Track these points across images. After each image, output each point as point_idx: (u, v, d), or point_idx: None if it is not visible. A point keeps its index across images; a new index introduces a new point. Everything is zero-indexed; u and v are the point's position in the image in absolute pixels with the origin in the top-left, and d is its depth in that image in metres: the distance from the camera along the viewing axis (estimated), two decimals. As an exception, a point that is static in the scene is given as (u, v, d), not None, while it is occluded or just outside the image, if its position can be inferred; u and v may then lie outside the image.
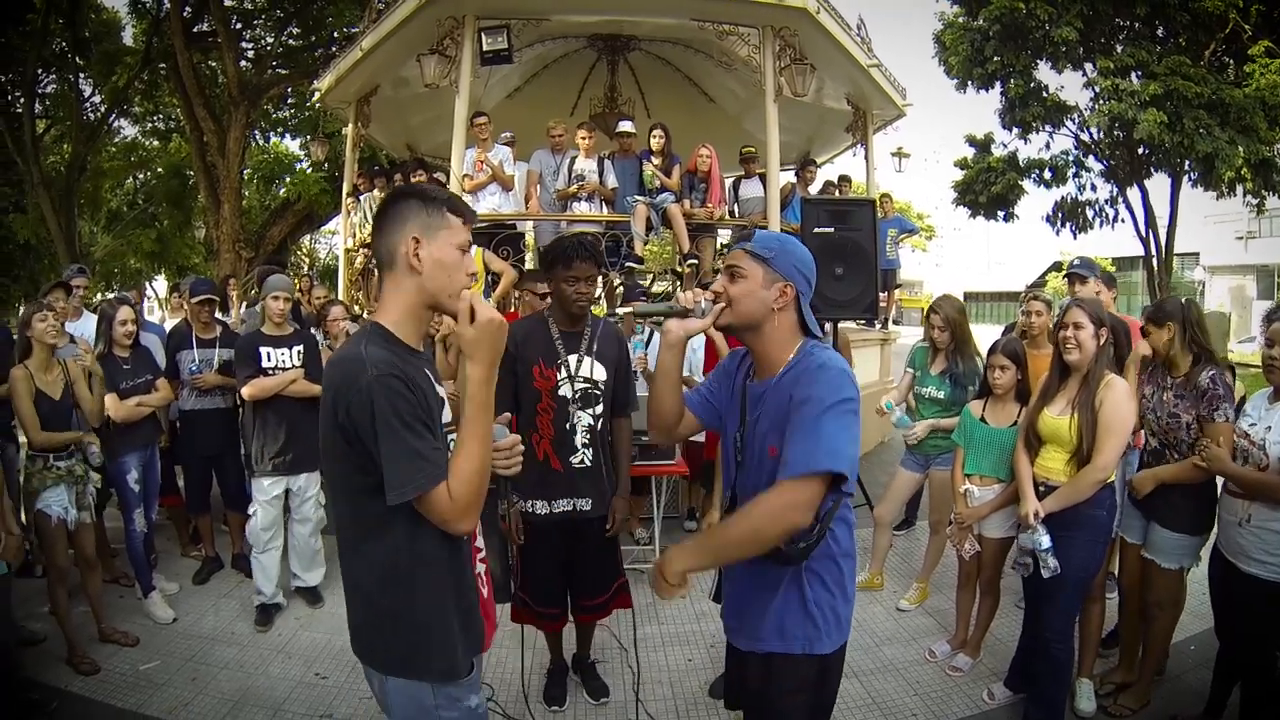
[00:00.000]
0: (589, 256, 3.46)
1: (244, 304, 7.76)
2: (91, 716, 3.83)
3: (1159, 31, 17.45)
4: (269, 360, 4.78)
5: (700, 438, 5.48)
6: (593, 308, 3.70)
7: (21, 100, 17.46)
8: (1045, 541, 3.38)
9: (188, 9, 16.18)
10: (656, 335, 5.53)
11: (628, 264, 7.31)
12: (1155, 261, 18.97)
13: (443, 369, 5.54)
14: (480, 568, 2.28)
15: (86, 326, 5.64)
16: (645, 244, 7.50)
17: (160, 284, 26.88)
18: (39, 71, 17.98)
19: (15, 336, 4.43)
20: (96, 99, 19.62)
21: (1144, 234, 18.99)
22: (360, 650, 1.99)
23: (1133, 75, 16.34)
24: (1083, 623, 3.91)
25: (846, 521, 2.22)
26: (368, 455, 1.75)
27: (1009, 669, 4.00)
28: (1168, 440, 3.59)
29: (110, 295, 14.69)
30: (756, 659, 2.26)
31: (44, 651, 4.32)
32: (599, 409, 3.55)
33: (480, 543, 2.29)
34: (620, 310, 2.21)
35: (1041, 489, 3.54)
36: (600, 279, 3.54)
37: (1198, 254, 35.35)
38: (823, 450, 1.92)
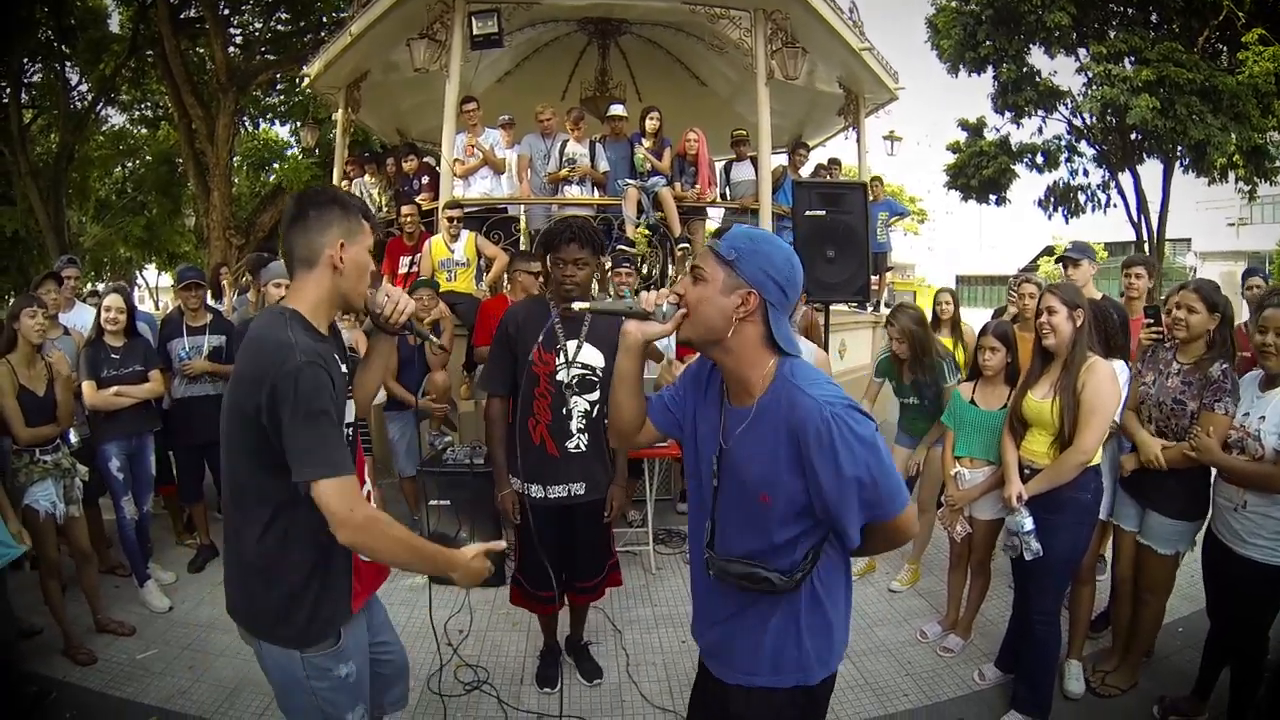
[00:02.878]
0: (576, 239, 3.40)
1: (236, 291, 7.73)
2: (90, 706, 3.82)
3: (1152, 17, 17.45)
4: None
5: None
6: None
7: (8, 90, 17.30)
8: (1027, 524, 3.41)
9: (175, -6, 16.04)
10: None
11: (619, 247, 7.32)
12: (1147, 247, 19.01)
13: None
14: None
15: (78, 317, 5.62)
16: (636, 227, 7.49)
17: (151, 273, 26.79)
18: (25, 61, 17.79)
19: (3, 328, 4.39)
20: (84, 87, 19.44)
21: (1136, 219, 19.05)
22: (232, 609, 2.18)
23: (1125, 61, 16.34)
24: (1072, 605, 3.96)
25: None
26: (278, 432, 1.89)
27: (1000, 650, 4.03)
28: (1167, 427, 3.55)
29: (101, 285, 14.63)
30: (741, 693, 2.06)
31: (41, 643, 4.31)
32: (595, 395, 3.52)
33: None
34: (576, 305, 2.15)
35: (1026, 472, 3.55)
36: (594, 262, 3.51)
37: (1189, 240, 35.41)
38: (894, 499, 1.83)
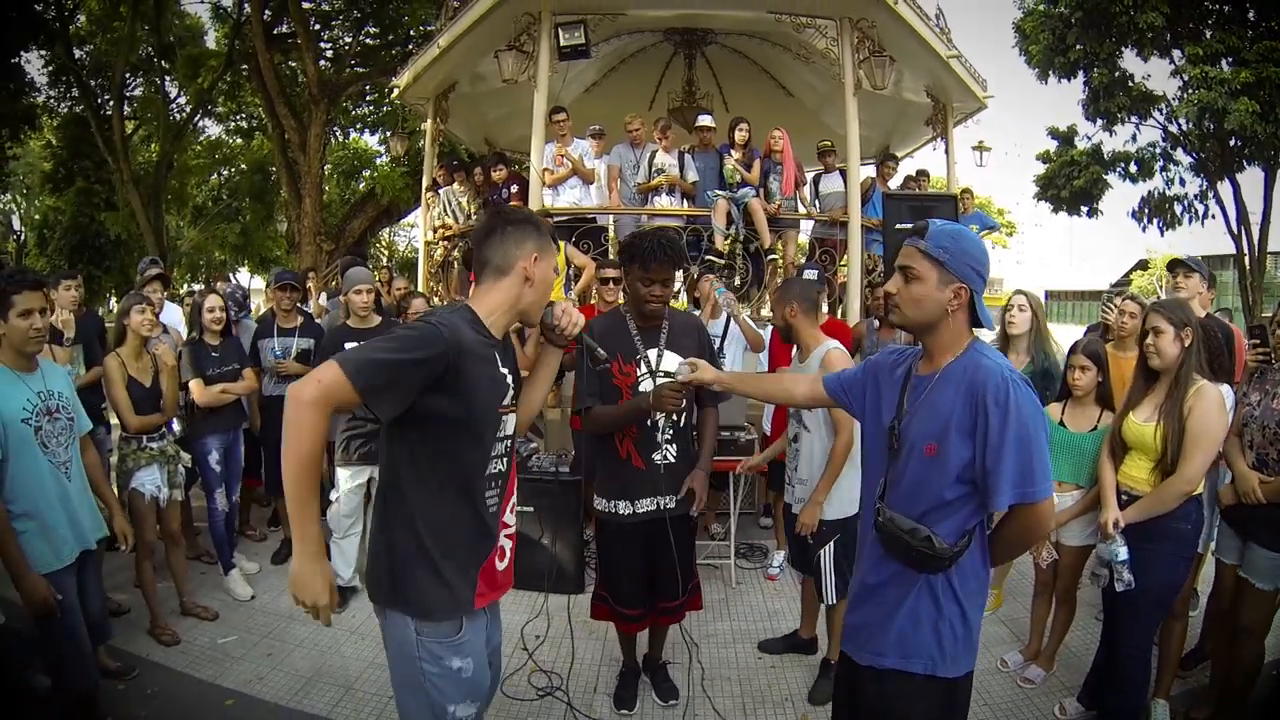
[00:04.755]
0: (667, 258, 3.31)
1: (324, 294, 7.94)
2: (171, 685, 3.99)
3: (1250, 15, 16.60)
4: None
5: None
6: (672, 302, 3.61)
7: (111, 103, 18.25)
8: (1122, 553, 3.23)
9: (268, 12, 16.67)
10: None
11: (707, 258, 7.33)
12: (1248, 260, 18.13)
13: (521, 361, 5.62)
14: (506, 543, 2.38)
15: (165, 316, 5.88)
16: (726, 238, 7.48)
17: (244, 275, 27.93)
18: (127, 76, 18.79)
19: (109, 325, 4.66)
20: (182, 100, 20.55)
21: (1236, 231, 18.17)
22: (369, 585, 2.25)
23: (1223, 62, 15.62)
24: (1162, 641, 3.71)
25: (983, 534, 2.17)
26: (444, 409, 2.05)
27: (1083, 684, 3.86)
28: (1269, 453, 3.31)
29: (199, 286, 15.24)
30: (871, 675, 2.20)
31: (128, 622, 4.52)
32: (682, 403, 3.41)
33: (510, 518, 2.38)
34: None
35: (1124, 498, 3.38)
36: (679, 278, 3.47)
37: (1292, 252, 33.82)
38: (1045, 477, 1.99)
